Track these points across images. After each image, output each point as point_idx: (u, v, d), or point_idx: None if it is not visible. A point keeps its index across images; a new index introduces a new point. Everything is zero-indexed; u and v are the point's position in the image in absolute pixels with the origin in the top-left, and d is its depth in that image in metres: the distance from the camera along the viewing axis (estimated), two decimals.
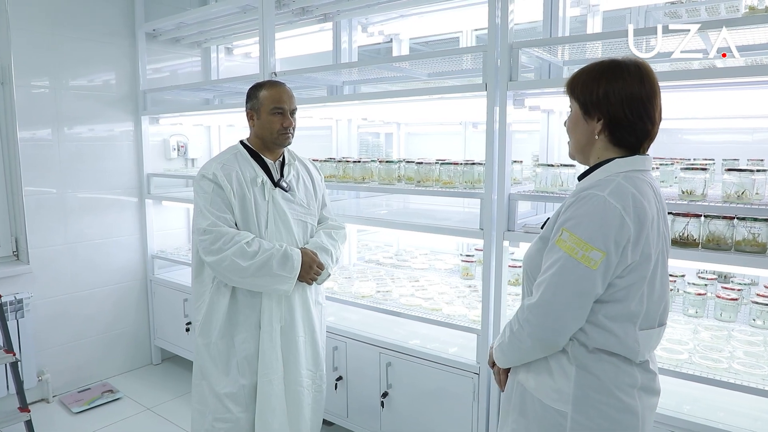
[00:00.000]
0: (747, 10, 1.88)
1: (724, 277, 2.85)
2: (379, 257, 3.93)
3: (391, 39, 4.00)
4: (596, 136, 1.39)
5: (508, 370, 1.58)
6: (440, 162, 2.69)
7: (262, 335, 2.27)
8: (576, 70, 1.46)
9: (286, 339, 2.32)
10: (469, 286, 3.18)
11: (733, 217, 1.96)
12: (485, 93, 2.33)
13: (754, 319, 2.49)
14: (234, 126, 4.50)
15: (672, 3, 3.01)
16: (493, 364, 1.63)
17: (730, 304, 2.54)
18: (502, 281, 2.41)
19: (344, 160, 3.05)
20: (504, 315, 2.45)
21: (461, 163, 2.62)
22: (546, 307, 1.34)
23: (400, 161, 2.89)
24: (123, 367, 4.17)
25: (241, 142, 2.38)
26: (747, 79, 1.87)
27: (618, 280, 1.32)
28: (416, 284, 3.22)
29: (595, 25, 3.03)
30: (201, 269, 2.29)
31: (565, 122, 1.49)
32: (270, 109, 2.27)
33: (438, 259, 3.93)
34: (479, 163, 2.60)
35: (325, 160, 3.14)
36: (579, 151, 1.46)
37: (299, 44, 4.10)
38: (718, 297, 2.58)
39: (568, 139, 1.48)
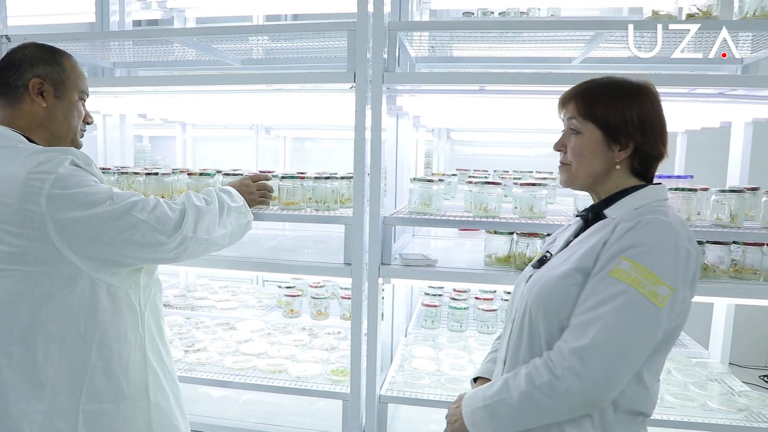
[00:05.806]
0: (651, 14, 1.71)
1: None
2: (169, 297, 3.03)
3: (173, 16, 3.15)
4: (617, 165, 1.16)
5: None
6: (279, 175, 2.04)
7: None
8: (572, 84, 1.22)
9: None
10: (303, 329, 2.57)
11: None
12: (352, 85, 1.77)
13: None
14: None
15: (465, 13, 3.09)
16: None
17: None
18: (377, 331, 1.88)
19: (131, 171, 2.16)
20: (379, 370, 1.92)
21: (308, 177, 2.01)
22: (605, 352, 1.02)
23: (217, 173, 2.14)
24: None
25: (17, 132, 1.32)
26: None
27: (668, 324, 1.08)
28: (235, 334, 2.48)
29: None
30: None
31: (559, 145, 1.22)
32: (79, 92, 1.40)
33: (244, 291, 3.22)
34: (334, 177, 2.02)
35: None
36: (592, 180, 1.20)
37: (43, 7, 2.93)
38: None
39: (568, 164, 1.21)
